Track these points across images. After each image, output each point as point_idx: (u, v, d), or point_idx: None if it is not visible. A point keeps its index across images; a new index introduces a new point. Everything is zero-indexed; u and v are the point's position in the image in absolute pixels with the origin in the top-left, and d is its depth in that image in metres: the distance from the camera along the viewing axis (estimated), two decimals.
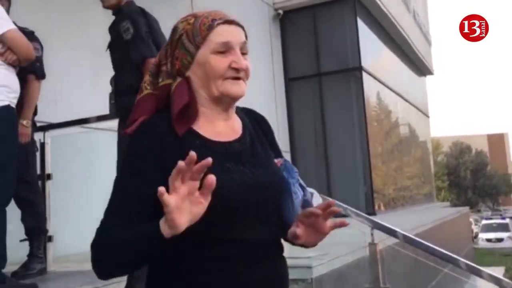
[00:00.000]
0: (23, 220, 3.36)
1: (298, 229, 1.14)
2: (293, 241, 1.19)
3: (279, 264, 1.19)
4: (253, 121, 1.27)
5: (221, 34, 1.14)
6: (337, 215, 1.22)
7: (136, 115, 1.20)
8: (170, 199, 0.94)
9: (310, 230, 1.16)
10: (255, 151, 1.20)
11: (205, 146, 1.13)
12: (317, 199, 1.30)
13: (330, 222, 1.16)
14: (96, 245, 1.09)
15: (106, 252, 1.07)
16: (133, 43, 2.84)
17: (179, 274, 1.10)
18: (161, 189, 0.93)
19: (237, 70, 1.14)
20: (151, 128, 1.14)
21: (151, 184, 1.06)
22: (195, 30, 1.15)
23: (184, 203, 0.96)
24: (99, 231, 1.10)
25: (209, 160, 0.94)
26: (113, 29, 3.00)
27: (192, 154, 0.93)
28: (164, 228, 0.98)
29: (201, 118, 1.17)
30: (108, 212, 1.12)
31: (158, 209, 1.03)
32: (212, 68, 1.14)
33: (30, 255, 3.35)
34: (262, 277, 1.12)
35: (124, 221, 1.08)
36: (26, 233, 3.38)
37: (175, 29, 1.21)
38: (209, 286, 1.09)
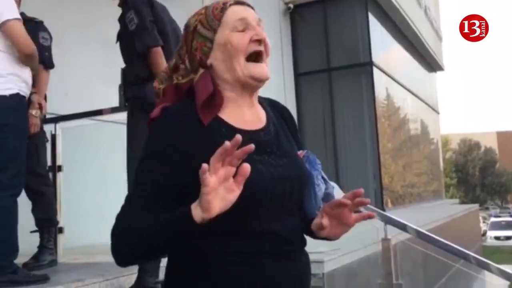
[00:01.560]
0: (33, 211, 3.36)
1: (324, 220, 1.13)
2: (317, 232, 1.17)
3: (303, 258, 1.18)
4: (277, 112, 1.27)
5: (236, 12, 1.16)
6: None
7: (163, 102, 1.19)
8: (210, 179, 0.93)
9: (334, 222, 1.14)
10: (279, 141, 1.19)
11: (232, 135, 1.10)
12: (338, 193, 1.29)
13: (355, 214, 1.14)
14: (119, 231, 1.08)
15: (130, 238, 1.06)
16: (137, 33, 2.84)
17: (204, 268, 1.08)
18: (205, 166, 0.93)
19: (259, 41, 1.15)
20: (176, 115, 1.13)
21: (175, 172, 1.07)
22: (209, 17, 1.17)
23: (220, 187, 0.95)
24: (121, 216, 1.09)
25: (252, 146, 0.94)
26: (121, 20, 3.00)
27: (238, 137, 0.93)
28: (196, 212, 0.97)
29: (228, 104, 1.16)
30: (130, 198, 1.11)
31: (181, 198, 1.03)
32: (233, 46, 1.13)
33: (40, 247, 3.36)
34: (287, 272, 1.11)
35: (147, 208, 1.06)
36: (37, 224, 3.39)
37: (187, 25, 1.21)
38: (235, 280, 1.07)
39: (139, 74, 2.85)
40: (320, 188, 1.22)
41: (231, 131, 1.12)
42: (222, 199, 0.95)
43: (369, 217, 1.14)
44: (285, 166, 1.14)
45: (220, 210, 0.96)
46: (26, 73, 2.83)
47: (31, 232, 3.36)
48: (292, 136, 1.27)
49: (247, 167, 0.95)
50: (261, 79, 1.16)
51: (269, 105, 1.27)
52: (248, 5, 1.20)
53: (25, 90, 2.78)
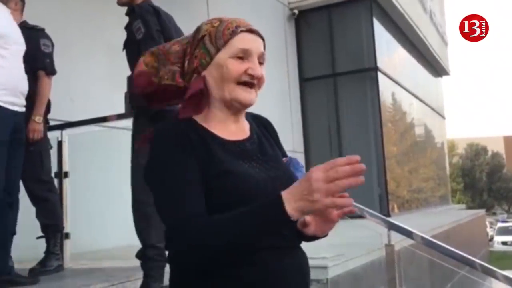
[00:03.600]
0: (38, 217, 3.38)
1: (306, 217, 1.16)
2: (303, 230, 1.19)
3: (301, 253, 1.23)
4: (260, 124, 1.34)
5: (243, 40, 1.20)
6: (353, 216, 1.25)
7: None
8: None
9: (319, 219, 1.17)
10: (263, 149, 1.27)
11: (221, 145, 1.20)
12: None
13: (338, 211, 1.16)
14: (196, 240, 1.04)
15: (217, 236, 1.04)
16: (144, 43, 2.87)
17: (210, 269, 1.10)
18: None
19: (251, 76, 1.20)
20: (174, 126, 1.19)
21: (197, 170, 1.13)
22: (218, 33, 1.21)
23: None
24: (185, 221, 1.06)
25: (363, 166, 0.99)
26: (127, 29, 3.03)
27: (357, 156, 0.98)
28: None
29: (213, 120, 1.23)
30: (177, 208, 1.09)
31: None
32: (228, 71, 1.19)
33: (46, 252, 3.39)
34: (290, 266, 1.15)
35: (199, 208, 1.08)
36: (42, 230, 3.41)
37: (198, 30, 1.26)
38: (240, 279, 1.10)
39: None
40: None
41: (220, 141, 1.20)
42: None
43: (351, 212, 1.13)
44: (271, 168, 1.22)
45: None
46: (14, 81, 2.83)
47: (38, 238, 3.40)
48: (277, 145, 1.35)
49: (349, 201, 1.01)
50: (245, 104, 1.22)
51: (252, 118, 1.34)
52: (259, 35, 1.24)
53: (4, 98, 2.76)
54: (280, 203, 0.99)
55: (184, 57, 1.25)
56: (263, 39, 1.25)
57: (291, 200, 0.99)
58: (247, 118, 1.31)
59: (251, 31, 1.22)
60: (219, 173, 1.12)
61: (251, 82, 1.21)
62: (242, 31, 1.21)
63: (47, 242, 3.41)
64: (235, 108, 1.23)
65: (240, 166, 1.16)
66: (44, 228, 3.41)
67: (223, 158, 1.15)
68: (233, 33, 1.20)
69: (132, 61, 3.02)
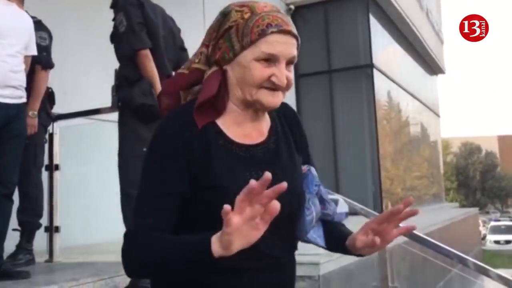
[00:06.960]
0: (17, 212, 3.30)
1: (376, 238, 1.09)
2: (355, 249, 1.15)
3: (285, 269, 1.17)
4: (282, 116, 1.22)
5: (271, 44, 1.07)
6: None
7: (170, 88, 1.20)
8: (234, 220, 0.87)
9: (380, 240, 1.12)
10: (278, 156, 1.15)
11: (228, 148, 1.11)
12: (342, 206, 1.24)
13: (396, 229, 1.12)
14: (133, 252, 1.05)
15: (144, 260, 1.03)
16: (126, 36, 2.83)
17: (189, 274, 1.06)
18: (227, 207, 0.86)
19: (274, 84, 1.09)
20: (175, 124, 1.11)
21: (179, 182, 1.07)
22: (246, 29, 1.08)
23: (244, 226, 0.89)
24: (134, 237, 1.06)
25: (284, 185, 0.86)
26: (114, 22, 3.00)
27: (268, 175, 0.86)
28: (217, 249, 0.92)
29: (229, 115, 1.13)
30: (141, 214, 1.07)
31: (183, 210, 1.07)
32: (251, 75, 1.08)
33: (18, 247, 3.33)
34: (268, 280, 1.10)
35: (161, 218, 1.06)
36: (19, 224, 3.35)
37: (226, 15, 1.12)
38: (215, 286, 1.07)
39: (128, 76, 2.85)
40: (311, 212, 1.16)
41: (228, 144, 1.11)
42: (244, 237, 0.90)
43: (412, 229, 1.10)
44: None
45: (241, 247, 0.91)
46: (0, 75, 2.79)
47: (13, 229, 3.28)
48: (296, 144, 1.22)
49: (275, 205, 0.87)
50: (268, 108, 1.12)
51: (277, 112, 1.21)
52: (293, 35, 1.10)
53: None
54: (208, 248, 0.93)
55: (209, 42, 1.14)
56: (297, 39, 1.11)
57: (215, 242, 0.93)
58: (271, 112, 1.19)
59: (283, 31, 1.08)
60: (211, 187, 1.06)
61: (275, 88, 1.09)
62: (272, 32, 1.07)
63: (21, 236, 3.34)
64: (256, 108, 1.12)
65: (238, 177, 1.05)
66: (21, 223, 3.35)
67: (221, 170, 1.07)
68: (262, 33, 1.07)
69: (119, 55, 2.99)
